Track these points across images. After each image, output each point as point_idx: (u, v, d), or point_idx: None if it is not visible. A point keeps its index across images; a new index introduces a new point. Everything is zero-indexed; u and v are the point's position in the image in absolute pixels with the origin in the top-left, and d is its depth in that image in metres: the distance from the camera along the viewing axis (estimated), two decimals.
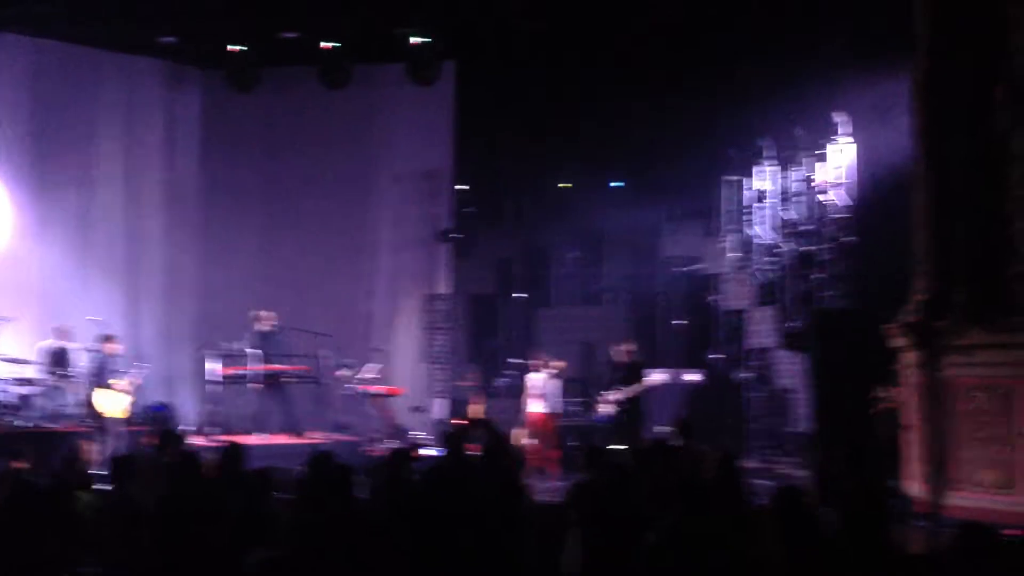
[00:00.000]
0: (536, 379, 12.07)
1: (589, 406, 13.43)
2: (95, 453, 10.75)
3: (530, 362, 12.36)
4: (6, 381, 12.08)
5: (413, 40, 12.97)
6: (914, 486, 8.66)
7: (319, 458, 6.82)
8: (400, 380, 13.95)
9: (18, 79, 13.16)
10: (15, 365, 12.08)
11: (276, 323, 12.65)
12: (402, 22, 12.90)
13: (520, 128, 13.96)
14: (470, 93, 13.88)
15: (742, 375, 13.66)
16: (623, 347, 11.55)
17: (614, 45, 12.50)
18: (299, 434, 12.28)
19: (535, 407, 11.96)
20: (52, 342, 12.18)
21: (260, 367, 12.19)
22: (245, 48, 13.29)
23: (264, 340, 12.46)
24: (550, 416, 11.95)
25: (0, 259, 13.00)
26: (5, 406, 11.88)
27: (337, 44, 13.08)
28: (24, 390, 11.90)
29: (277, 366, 12.40)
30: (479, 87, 13.73)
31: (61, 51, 13.38)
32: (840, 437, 8.73)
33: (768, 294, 13.47)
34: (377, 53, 13.68)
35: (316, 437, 12.14)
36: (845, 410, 8.99)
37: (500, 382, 14.19)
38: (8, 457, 7.59)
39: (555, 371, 12.02)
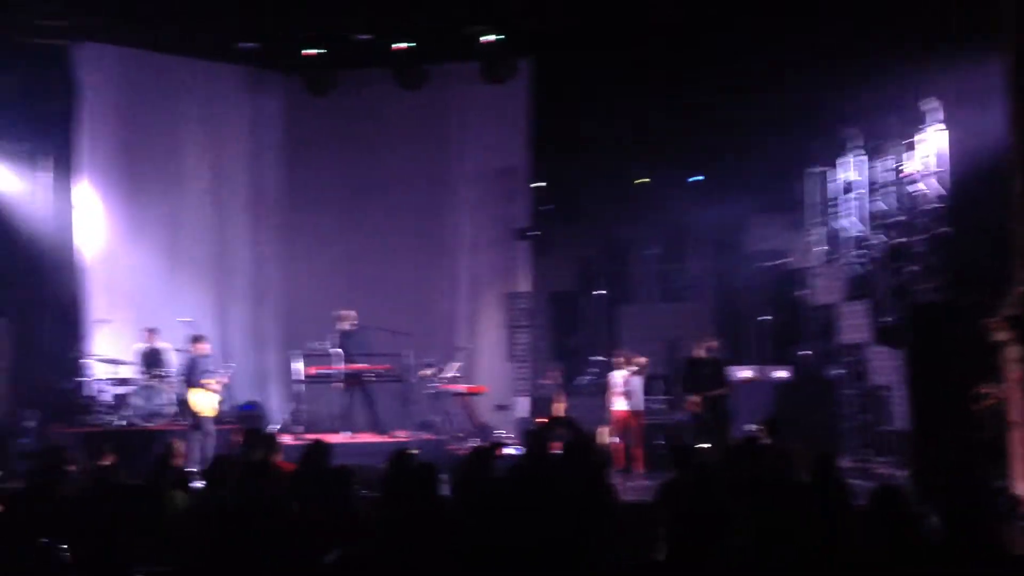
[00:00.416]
0: (618, 376, 11.93)
1: (674, 404, 13.24)
2: (188, 452, 11.01)
3: (612, 359, 12.23)
4: (102, 381, 12.45)
5: (487, 39, 12.94)
6: (1021, 485, 8.28)
7: (400, 456, 6.82)
8: (483, 378, 13.95)
9: (107, 88, 13.52)
10: (111, 365, 12.43)
11: (356, 322, 12.74)
12: (476, 21, 12.88)
13: (596, 123, 13.80)
14: (545, 90, 13.78)
15: (834, 372, 13.29)
16: (704, 344, 11.31)
17: (691, 36, 12.27)
18: (383, 433, 12.35)
19: (619, 405, 11.83)
20: (144, 344, 12.50)
21: (343, 366, 12.29)
22: (322, 51, 13.42)
23: (345, 339, 12.57)
24: (633, 414, 11.80)
25: (94, 263, 13.38)
26: (102, 406, 12.24)
27: (411, 45, 13.12)
28: (120, 390, 12.23)
29: (359, 365, 12.48)
30: (554, 83, 13.63)
31: (147, 60, 13.71)
32: (940, 435, 8.39)
33: (859, 288, 13.06)
34: (451, 53, 13.69)
35: (400, 436, 12.19)
36: (945, 407, 8.63)
37: (582, 380, 14.07)
38: (97, 455, 7.75)
39: (637, 368, 11.87)
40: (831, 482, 6.59)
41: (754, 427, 10.32)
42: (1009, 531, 7.58)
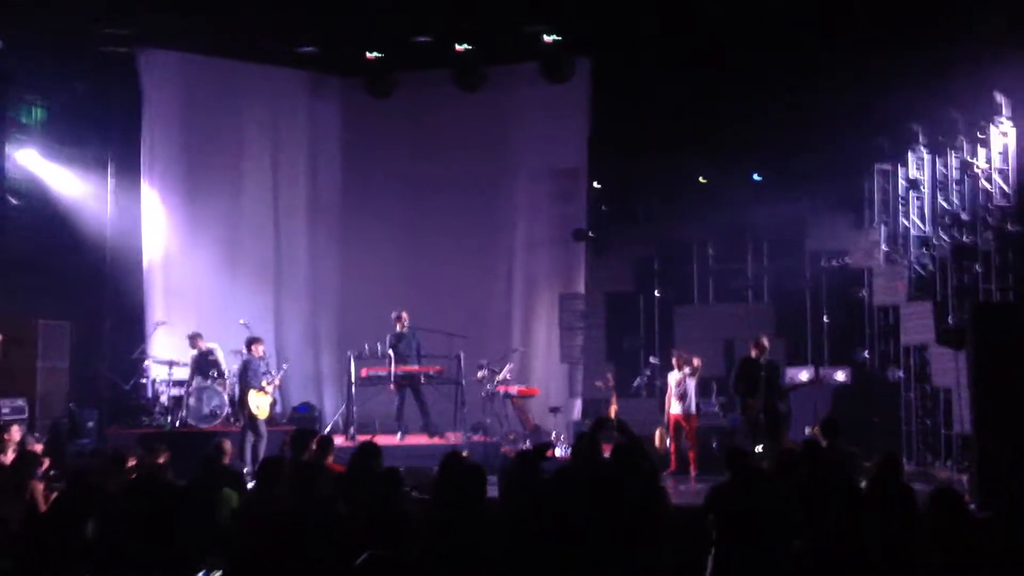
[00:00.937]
0: (673, 378, 11.81)
1: (728, 406, 13.04)
2: (240, 453, 11.14)
3: (673, 360, 12.09)
4: (161, 383, 12.66)
5: (546, 39, 12.89)
6: None
7: (452, 458, 6.80)
8: (538, 380, 13.90)
9: (169, 93, 13.78)
10: (169, 367, 12.64)
11: (408, 324, 12.78)
12: (535, 21, 12.83)
13: (654, 123, 13.66)
14: (603, 89, 13.68)
15: (896, 374, 12.98)
16: (758, 345, 11.12)
17: (752, 33, 12.06)
18: (434, 435, 12.36)
19: (674, 407, 11.69)
20: (192, 350, 12.62)
21: (397, 368, 12.34)
22: (382, 55, 13.49)
23: (398, 340, 12.62)
24: (687, 416, 11.66)
25: (155, 266, 13.63)
26: (159, 407, 12.45)
27: (471, 46, 13.13)
28: (176, 391, 12.42)
29: (412, 367, 12.52)
30: (613, 83, 13.52)
31: (208, 65, 13.94)
32: (1004, 439, 8.12)
33: (923, 288, 12.74)
34: (511, 53, 13.65)
35: (452, 438, 12.19)
36: (1009, 410, 8.36)
37: (638, 381, 13.95)
38: (150, 452, 7.88)
39: (691, 370, 11.72)
40: (895, 485, 6.42)
41: (812, 430, 10.13)
42: None
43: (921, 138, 12.92)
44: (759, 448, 10.20)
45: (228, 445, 8.41)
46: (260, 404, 11.58)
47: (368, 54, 13.49)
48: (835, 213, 14.41)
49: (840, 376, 13.19)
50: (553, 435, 12.52)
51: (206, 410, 12.21)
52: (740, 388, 11.07)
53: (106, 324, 13.46)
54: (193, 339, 12.65)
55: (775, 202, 14.18)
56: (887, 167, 13.61)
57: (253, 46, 13.71)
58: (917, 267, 12.91)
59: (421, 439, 12.34)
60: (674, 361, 11.93)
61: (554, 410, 13.51)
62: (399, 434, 12.39)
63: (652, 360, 13.91)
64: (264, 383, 11.65)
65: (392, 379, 12.44)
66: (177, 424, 12.11)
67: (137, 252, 13.58)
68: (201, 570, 4.59)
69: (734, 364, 11.94)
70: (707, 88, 12.95)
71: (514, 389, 12.90)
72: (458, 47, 13.15)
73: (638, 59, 12.99)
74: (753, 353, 10.99)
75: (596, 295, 14.71)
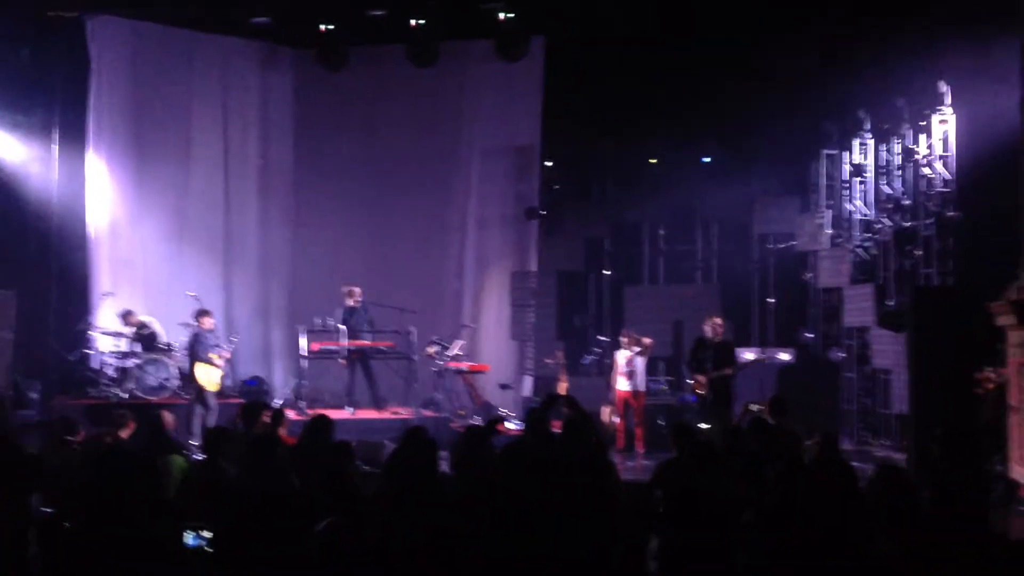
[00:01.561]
0: (623, 356, 11.97)
1: (678, 384, 13.27)
2: (189, 425, 11.10)
3: (620, 339, 12.26)
4: (107, 354, 12.51)
5: (500, 16, 12.88)
6: (1019, 470, 8.30)
7: (413, 432, 6.87)
8: (488, 357, 13.97)
9: (118, 60, 13.53)
10: (116, 339, 12.49)
11: (360, 298, 12.78)
12: None
13: (608, 103, 13.75)
14: (558, 68, 13.73)
15: (837, 355, 13.30)
16: (714, 324, 11.31)
17: (704, 17, 12.19)
18: (381, 409, 12.41)
19: (622, 385, 11.87)
20: (130, 328, 12.47)
21: (347, 342, 12.35)
22: (334, 27, 13.38)
23: (350, 315, 12.62)
24: (635, 394, 11.84)
25: (102, 236, 13.43)
26: (106, 378, 12.31)
27: (425, 21, 13.07)
28: (124, 363, 12.29)
29: (363, 342, 12.54)
30: (567, 62, 13.57)
31: (158, 33, 13.70)
32: (939, 419, 8.40)
33: (866, 271, 13.06)
34: (465, 30, 13.62)
35: (403, 412, 12.26)
36: (945, 391, 8.64)
37: (588, 359, 14.10)
38: (114, 424, 7.84)
39: (641, 348, 11.90)
40: (835, 463, 6.63)
41: (757, 407, 10.36)
42: (1005, 516, 7.60)
43: (866, 125, 13.20)
44: (705, 425, 10.41)
45: (169, 416, 8.39)
46: (209, 377, 11.52)
47: (321, 26, 13.37)
48: (782, 197, 14.66)
49: (784, 356, 13.47)
50: (506, 412, 12.62)
51: (154, 382, 12.11)
52: (692, 366, 11.28)
53: (52, 294, 13.23)
54: (125, 317, 12.50)
55: (724, 185, 14.40)
56: (833, 152, 13.89)
57: (204, 15, 13.50)
58: (860, 251, 13.22)
59: (371, 413, 12.38)
60: (624, 340, 12.09)
61: (504, 386, 13.60)
62: (350, 408, 12.41)
63: (603, 339, 14.07)
64: (213, 355, 11.59)
65: (343, 354, 12.45)
66: (125, 396, 12.00)
67: (83, 221, 13.36)
68: (191, 533, 4.63)
69: (682, 344, 12.15)
70: (660, 70, 13.07)
71: (464, 365, 12.97)
72: (412, 22, 13.08)
73: (592, 39, 13.05)
74: (707, 332, 11.19)
75: (547, 273, 14.82)
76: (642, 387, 11.94)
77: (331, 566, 3.46)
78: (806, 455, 7.50)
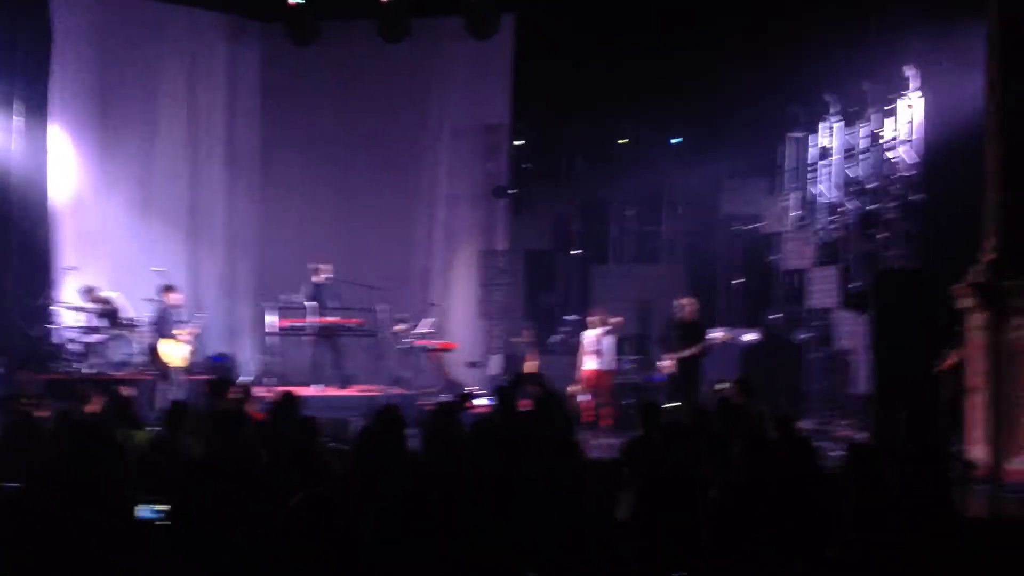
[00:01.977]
0: (591, 335, 12.03)
1: (646, 364, 13.36)
2: (152, 401, 11.02)
3: (587, 319, 12.31)
4: (71, 329, 12.36)
5: None
6: (977, 450, 8.47)
7: (383, 410, 6.89)
8: (456, 335, 14.00)
9: (82, 32, 13.28)
10: (79, 313, 12.34)
11: (330, 275, 12.73)
12: None
13: (578, 83, 13.76)
14: (528, 47, 13.70)
15: (801, 336, 13.45)
16: (685, 304, 11.40)
17: None
18: (345, 386, 12.40)
19: (589, 363, 11.94)
20: (95, 305, 12.33)
21: (316, 319, 12.30)
22: (304, 1, 13.24)
23: (318, 292, 12.58)
24: (604, 372, 11.92)
25: (65, 209, 13.24)
26: (70, 353, 12.17)
27: None
28: (88, 338, 12.15)
29: (330, 319, 12.50)
30: (538, 41, 13.55)
31: (124, 4, 13.50)
32: (901, 400, 8.55)
33: (830, 254, 13.20)
34: (435, 6, 13.56)
35: (370, 390, 12.25)
36: (907, 372, 8.79)
37: (555, 338, 14.15)
38: (83, 399, 7.78)
39: (610, 328, 11.96)
40: (793, 441, 6.74)
41: (723, 386, 10.46)
42: (963, 495, 7.76)
43: (833, 108, 13.31)
44: (673, 404, 10.51)
45: (124, 391, 8.33)
46: (175, 352, 11.44)
47: (290, 0, 13.23)
48: (749, 179, 14.76)
49: (749, 337, 13.61)
50: (474, 390, 12.65)
51: (118, 357, 11.99)
52: (663, 346, 11.37)
53: (12, 268, 13.01)
54: (87, 293, 12.34)
55: (692, 166, 14.48)
56: (800, 135, 14.00)
57: None
58: (824, 233, 13.36)
59: (338, 391, 12.36)
60: (594, 319, 12.14)
61: (472, 365, 13.64)
62: (320, 385, 12.39)
63: (571, 317, 14.12)
64: (179, 331, 11.50)
65: (311, 330, 12.41)
66: (90, 371, 11.87)
67: (45, 194, 13.14)
68: (146, 506, 4.61)
69: (651, 323, 12.21)
70: (630, 50, 13.09)
71: (432, 343, 12.98)
72: None
73: (563, 19, 13.04)
74: (676, 312, 11.27)
75: (516, 252, 14.83)
76: (610, 366, 12.01)
77: (304, 540, 3.48)
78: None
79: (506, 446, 6.29)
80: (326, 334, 12.55)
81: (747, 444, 5.47)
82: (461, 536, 4.82)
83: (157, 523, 4.55)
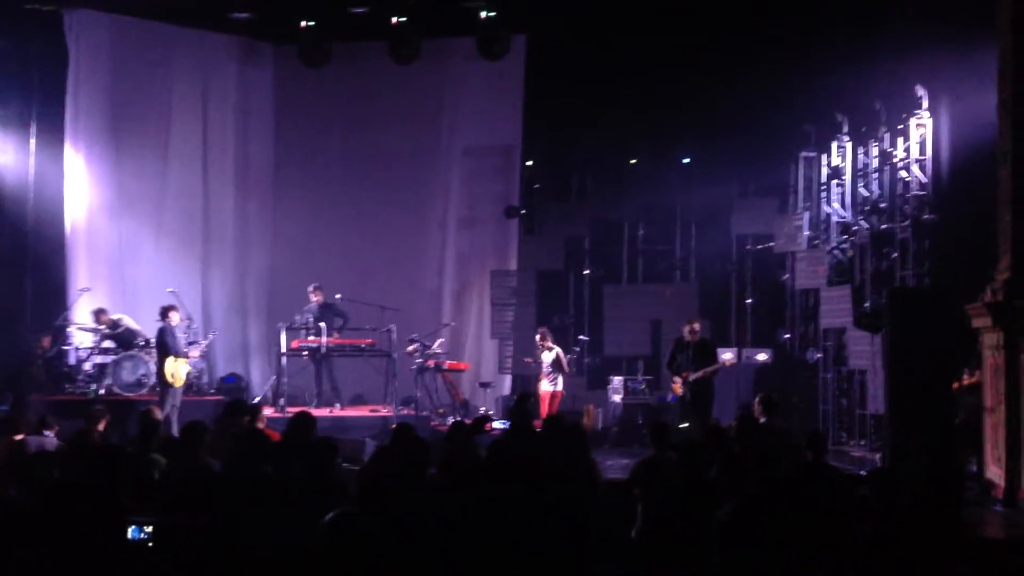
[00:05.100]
0: (548, 357, 12.00)
1: (656, 384, 13.32)
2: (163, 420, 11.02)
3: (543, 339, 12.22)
4: (84, 350, 12.41)
5: (482, 14, 12.89)
6: (994, 470, 8.41)
7: (401, 430, 6.89)
8: (468, 356, 14.00)
9: (96, 55, 13.44)
10: (92, 334, 12.39)
11: (324, 297, 12.78)
12: None
13: (589, 103, 13.80)
14: (539, 67, 13.77)
15: (814, 355, 13.40)
16: (690, 325, 11.38)
17: (686, 18, 12.28)
18: (333, 407, 12.43)
19: (545, 386, 11.96)
20: (103, 327, 12.37)
21: (324, 340, 12.34)
22: (316, 23, 13.34)
23: (322, 313, 12.62)
24: (556, 394, 11.92)
25: (78, 229, 13.32)
26: (83, 374, 12.22)
27: (407, 19, 13.06)
28: (101, 359, 12.20)
29: (331, 339, 12.52)
30: (549, 61, 13.61)
31: (138, 27, 13.64)
32: (915, 420, 8.50)
33: (843, 273, 13.17)
34: (447, 27, 13.63)
35: (382, 410, 12.26)
36: (921, 392, 8.73)
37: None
38: (89, 419, 7.82)
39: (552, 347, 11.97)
40: (821, 466, 6.70)
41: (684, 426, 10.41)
42: (980, 515, 7.71)
43: (845, 127, 13.31)
44: (684, 425, 10.47)
45: (156, 413, 8.34)
46: (176, 372, 11.45)
47: (302, 23, 13.33)
48: (761, 198, 14.74)
49: (762, 357, 13.56)
50: (483, 410, 12.64)
51: (131, 378, 12.03)
52: (671, 367, 11.34)
53: (27, 289, 13.11)
54: (98, 315, 12.39)
55: (704, 185, 14.47)
56: (812, 155, 13.99)
57: (184, 9, 13.43)
58: (837, 252, 13.33)
59: (350, 411, 12.38)
60: (547, 341, 12.09)
61: (484, 385, 13.63)
62: (338, 404, 12.43)
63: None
64: (189, 350, 11.53)
65: (320, 351, 12.45)
66: (102, 392, 11.92)
67: (60, 214, 13.25)
68: (132, 524, 4.62)
69: (661, 344, 12.18)
70: (641, 70, 13.14)
71: (445, 363, 12.98)
72: (394, 19, 13.06)
73: (574, 39, 13.11)
74: (685, 334, 11.24)
75: (527, 272, 14.83)
76: (561, 387, 12.00)
77: (339, 556, 3.49)
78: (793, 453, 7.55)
79: (520, 465, 6.27)
80: (323, 354, 12.55)
81: (762, 463, 5.45)
82: (476, 555, 4.81)
83: (146, 543, 4.57)
